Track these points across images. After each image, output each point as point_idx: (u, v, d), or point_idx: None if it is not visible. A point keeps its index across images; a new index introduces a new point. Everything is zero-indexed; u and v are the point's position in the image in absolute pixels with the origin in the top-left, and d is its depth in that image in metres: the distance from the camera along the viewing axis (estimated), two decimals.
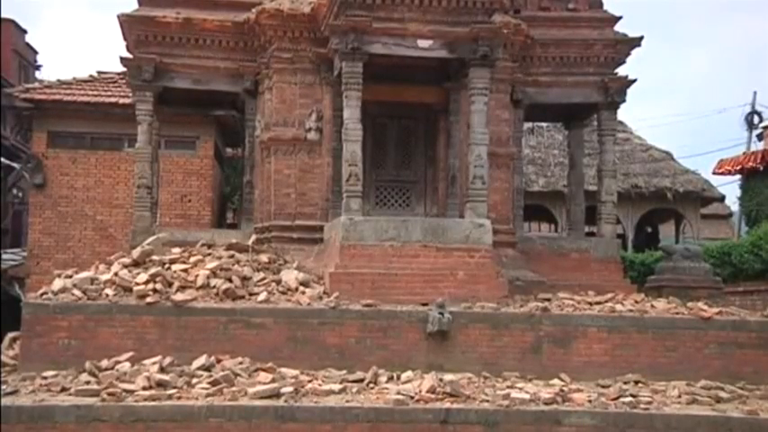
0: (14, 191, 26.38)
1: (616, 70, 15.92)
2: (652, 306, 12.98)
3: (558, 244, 16.45)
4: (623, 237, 23.55)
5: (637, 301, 13.24)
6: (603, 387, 11.35)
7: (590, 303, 12.98)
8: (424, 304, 12.03)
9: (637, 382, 11.60)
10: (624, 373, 11.79)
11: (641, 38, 15.76)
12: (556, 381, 11.44)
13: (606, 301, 13.09)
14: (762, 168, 23.10)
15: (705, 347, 12.24)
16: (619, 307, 12.73)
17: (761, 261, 18.65)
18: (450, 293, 12.29)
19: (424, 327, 11.68)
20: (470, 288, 12.56)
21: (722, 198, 27.37)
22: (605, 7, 16.20)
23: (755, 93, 28.71)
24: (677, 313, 12.66)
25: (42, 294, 12.01)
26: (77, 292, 11.84)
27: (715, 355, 12.21)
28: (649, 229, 27.04)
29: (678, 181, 25.17)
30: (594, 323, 12.17)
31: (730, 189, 27.65)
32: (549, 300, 12.92)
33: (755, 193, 23.56)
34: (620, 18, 15.99)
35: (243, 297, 12.07)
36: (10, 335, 12.69)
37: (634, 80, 15.76)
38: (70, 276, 12.51)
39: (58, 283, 12.19)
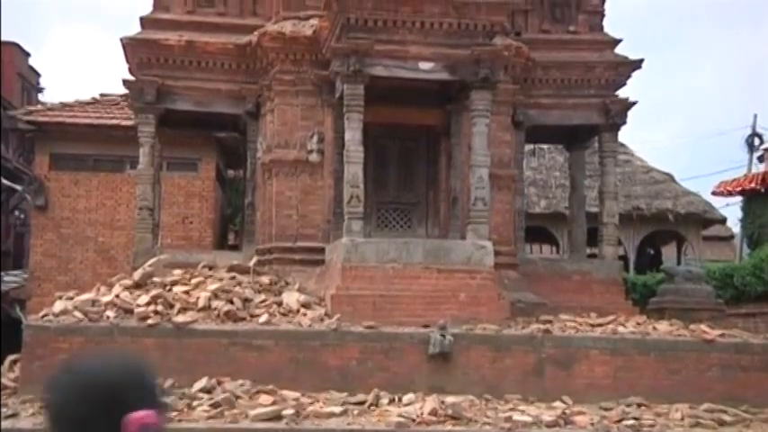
0: (16, 213, 26.40)
1: (617, 92, 15.97)
2: (654, 328, 12.94)
3: (560, 266, 16.44)
4: (625, 258, 23.49)
5: (639, 324, 13.20)
6: (606, 410, 11.29)
7: (592, 325, 12.94)
8: (426, 326, 12.00)
9: (639, 405, 11.55)
10: (626, 396, 11.74)
11: (642, 60, 15.83)
12: (558, 403, 11.39)
13: (608, 323, 13.05)
14: (763, 190, 23.08)
15: (708, 370, 12.20)
16: (621, 329, 12.69)
17: (763, 283, 18.60)
18: (451, 315, 12.26)
19: (426, 349, 11.64)
20: (472, 310, 12.54)
21: (724, 220, 27.33)
22: (606, 30, 16.29)
23: (756, 115, 28.78)
24: (679, 335, 12.63)
25: (43, 316, 11.99)
26: (78, 314, 11.82)
27: (718, 377, 12.17)
28: (651, 251, 26.99)
29: (679, 203, 25.15)
30: (596, 345, 12.14)
31: (732, 211, 27.70)
32: (550, 322, 12.88)
33: (757, 215, 23.53)
34: (620, 41, 16.07)
35: (244, 319, 12.05)
36: (10, 357, 12.65)
37: (635, 102, 15.82)
38: (71, 298, 12.50)
39: (59, 305, 12.17)
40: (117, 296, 12.32)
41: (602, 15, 16.37)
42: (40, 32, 62.73)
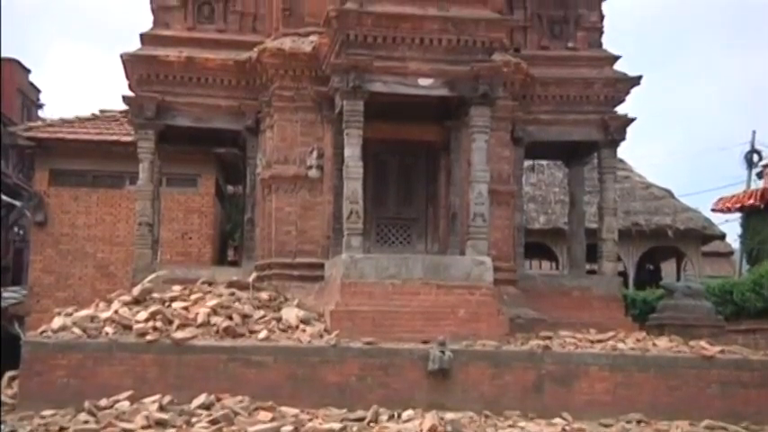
0: (16, 228, 26.41)
1: (616, 109, 16.01)
2: (654, 344, 12.92)
3: (560, 282, 16.43)
4: (624, 274, 23.49)
5: (638, 340, 13.19)
6: (606, 426, 11.27)
7: (591, 341, 12.92)
8: (425, 342, 11.98)
9: (639, 422, 11.52)
10: (626, 412, 11.71)
11: (640, 77, 15.88)
12: (558, 420, 11.35)
13: (608, 340, 13.03)
14: (762, 207, 23.11)
15: (708, 387, 12.17)
16: (620, 345, 12.67)
17: (763, 299, 18.58)
18: (450, 331, 12.24)
19: (425, 365, 11.62)
20: (471, 326, 12.51)
21: (723, 236, 27.34)
22: (605, 46, 16.35)
23: (754, 132, 28.82)
24: (679, 352, 12.61)
25: (42, 332, 11.97)
26: (77, 331, 11.80)
27: (718, 394, 12.14)
28: (651, 267, 26.99)
29: (679, 219, 25.18)
30: (596, 361, 12.11)
31: (731, 227, 27.68)
32: (550, 338, 12.86)
33: (756, 231, 23.55)
34: (618, 57, 16.14)
35: (243, 335, 12.03)
36: (9, 374, 12.61)
37: (634, 119, 15.86)
38: (70, 314, 12.48)
39: (57, 322, 12.15)
40: (116, 312, 12.30)
41: (601, 32, 16.43)
42: (40, 49, 62.93)
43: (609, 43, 16.38)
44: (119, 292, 13.61)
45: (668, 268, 26.99)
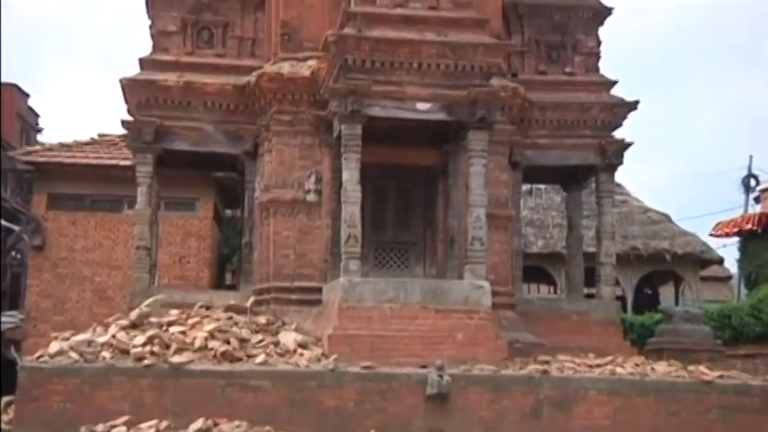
0: (13, 253, 26.35)
1: (613, 133, 16.06)
2: (653, 369, 12.88)
3: (558, 306, 16.41)
4: (623, 299, 23.48)
5: (637, 364, 13.14)
6: None
7: (590, 366, 12.87)
8: (424, 366, 11.93)
9: None
10: None
11: (637, 102, 15.95)
12: None
13: (606, 364, 12.99)
14: (760, 231, 23.15)
15: (707, 412, 12.11)
16: (619, 370, 12.63)
17: (761, 324, 18.57)
18: (449, 355, 12.20)
19: (424, 389, 11.57)
20: (470, 350, 12.48)
21: (721, 260, 27.36)
22: (602, 71, 16.43)
23: (751, 156, 28.89)
24: (678, 377, 12.57)
25: (39, 357, 11.91)
26: (74, 355, 11.75)
27: (717, 419, 12.07)
28: (649, 291, 26.97)
29: (677, 243, 25.20)
30: (595, 386, 12.06)
31: (729, 251, 27.73)
32: (548, 362, 12.82)
33: (754, 255, 23.57)
34: (616, 82, 16.21)
35: (241, 359, 11.98)
36: (5, 399, 12.55)
37: (631, 143, 15.91)
38: (67, 339, 12.43)
39: (54, 346, 12.09)
40: (113, 336, 12.26)
41: (598, 57, 16.52)
42: (39, 73, 63.16)
43: (608, 69, 16.49)
44: (116, 316, 13.57)
45: (666, 293, 26.97)
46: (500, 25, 15.42)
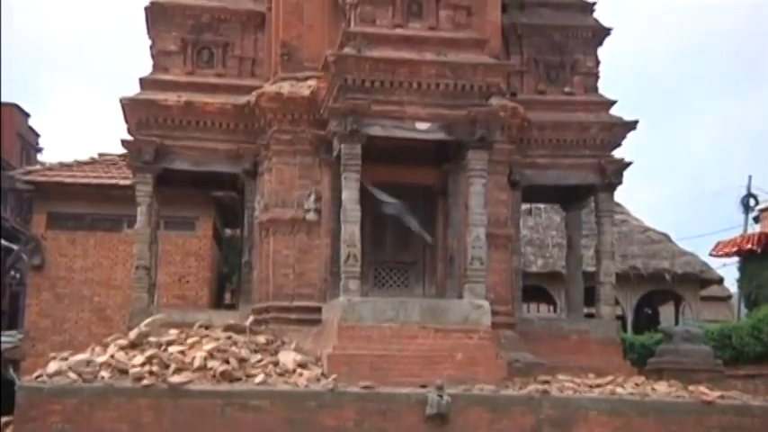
0: (12, 272, 26.33)
1: (613, 153, 16.09)
2: (653, 389, 12.84)
3: (558, 325, 16.38)
4: (623, 318, 23.45)
5: (637, 384, 13.11)
6: None
7: (590, 386, 12.84)
8: (423, 386, 11.90)
9: None
10: None
11: (636, 121, 16.00)
12: None
13: (606, 384, 12.95)
14: (759, 251, 23.14)
15: None
16: (619, 390, 12.60)
17: (762, 344, 18.53)
18: (448, 375, 12.16)
19: (423, 409, 11.53)
20: (469, 370, 12.44)
21: (721, 280, 27.34)
22: (601, 91, 16.49)
23: (750, 177, 28.94)
24: (678, 397, 12.53)
25: (37, 377, 11.88)
26: (72, 375, 11.71)
27: None
28: (649, 311, 26.94)
29: (676, 263, 25.20)
30: (595, 406, 12.02)
31: (729, 271, 27.74)
32: (548, 382, 12.78)
33: (754, 275, 23.55)
34: (614, 102, 16.27)
35: (240, 379, 11.95)
36: (3, 419, 12.50)
37: (630, 162, 15.94)
38: (66, 359, 12.39)
39: (53, 366, 12.06)
40: (112, 356, 12.23)
41: (597, 77, 16.58)
42: (39, 93, 63.32)
43: (607, 89, 16.55)
44: (115, 335, 13.54)
45: (666, 312, 26.94)
46: (499, 45, 15.48)
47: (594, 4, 16.82)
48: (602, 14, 16.79)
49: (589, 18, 16.75)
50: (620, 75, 20.90)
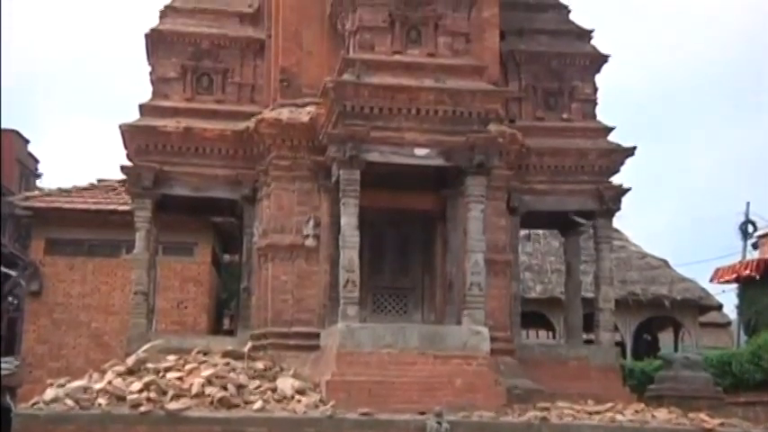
0: (10, 298, 26.29)
1: (611, 179, 16.13)
2: (653, 416, 12.77)
3: (557, 352, 16.33)
4: (622, 344, 23.39)
5: (637, 411, 13.05)
6: None
7: (590, 413, 12.77)
8: (422, 413, 11.83)
9: None
10: None
11: (634, 148, 16.06)
12: None
13: (606, 411, 12.88)
14: (758, 277, 23.13)
15: None
16: (619, 417, 12.53)
17: (761, 371, 18.47)
18: (447, 402, 12.09)
19: None
20: (468, 396, 12.38)
21: (720, 306, 27.29)
22: (599, 117, 16.55)
23: (748, 203, 28.98)
24: (679, 424, 12.46)
25: (34, 404, 11.80)
26: (70, 402, 11.64)
27: None
28: (648, 337, 26.88)
29: (675, 289, 25.17)
30: None
31: (728, 297, 27.73)
32: (548, 409, 12.72)
33: (753, 301, 23.53)
34: (613, 128, 16.33)
35: (238, 405, 11.87)
36: None
37: (628, 189, 15.97)
38: (63, 385, 12.32)
39: (50, 393, 11.99)
40: (109, 383, 12.16)
41: (595, 104, 16.66)
42: (39, 119, 63.51)
43: (605, 115, 16.62)
44: (113, 362, 13.48)
45: (666, 338, 26.88)
46: (498, 72, 15.56)
47: (592, 31, 16.95)
48: (599, 41, 16.96)
49: (587, 45, 16.85)
50: (618, 101, 20.99)
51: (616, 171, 16.19)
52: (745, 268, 23.64)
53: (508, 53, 16.28)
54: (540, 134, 16.02)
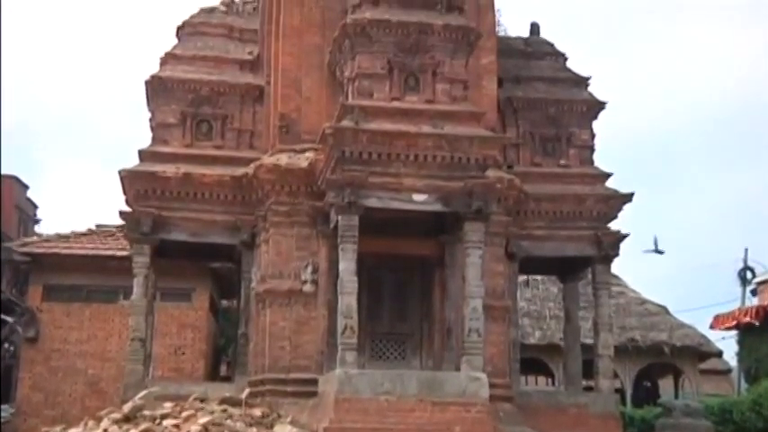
0: (6, 345, 26.14)
1: (609, 225, 16.15)
2: None
3: (556, 398, 16.21)
4: (622, 391, 23.23)
5: None
6: None
7: None
8: None
9: None
10: None
11: (632, 194, 16.11)
12: None
13: None
14: (758, 324, 23.04)
15: None
16: None
17: (763, 419, 18.31)
18: None
19: None
20: None
21: (720, 353, 27.17)
22: (596, 164, 16.63)
23: (747, 249, 29.01)
24: None
25: None
26: None
27: None
28: (648, 384, 26.70)
29: (675, 335, 25.06)
30: None
31: (728, 344, 27.65)
32: None
33: (753, 348, 23.42)
34: (610, 175, 16.39)
35: None
36: None
37: (626, 234, 15.98)
38: None
39: None
40: (105, 430, 12.08)
41: (593, 150, 16.74)
42: (38, 165, 63.76)
43: (603, 161, 16.69)
44: (109, 409, 13.38)
45: (666, 385, 26.70)
46: (495, 118, 15.67)
47: (589, 78, 17.11)
48: (596, 88, 17.12)
49: (584, 92, 16.99)
50: (615, 147, 21.13)
51: (614, 217, 16.22)
52: (745, 315, 23.55)
53: (506, 100, 16.42)
54: (538, 180, 16.08)
